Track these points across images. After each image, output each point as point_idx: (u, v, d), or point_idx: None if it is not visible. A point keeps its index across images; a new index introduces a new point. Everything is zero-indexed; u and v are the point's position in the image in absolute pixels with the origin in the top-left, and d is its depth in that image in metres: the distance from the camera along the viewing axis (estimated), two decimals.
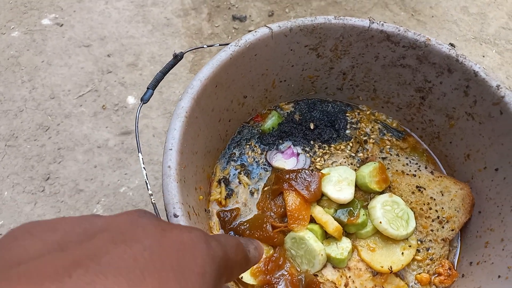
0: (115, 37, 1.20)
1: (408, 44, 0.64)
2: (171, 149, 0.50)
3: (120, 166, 0.92)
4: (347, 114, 0.77)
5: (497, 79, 0.60)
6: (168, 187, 0.47)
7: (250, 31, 1.25)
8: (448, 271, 0.61)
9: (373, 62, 0.69)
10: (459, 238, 0.66)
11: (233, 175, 0.69)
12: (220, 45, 0.66)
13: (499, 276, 0.53)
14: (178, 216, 0.46)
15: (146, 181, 0.47)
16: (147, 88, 0.54)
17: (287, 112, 0.76)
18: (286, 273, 0.58)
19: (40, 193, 0.88)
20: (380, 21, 0.65)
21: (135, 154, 0.94)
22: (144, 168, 0.48)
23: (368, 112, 0.77)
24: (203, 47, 0.63)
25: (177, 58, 0.59)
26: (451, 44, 0.64)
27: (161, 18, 1.25)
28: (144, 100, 0.54)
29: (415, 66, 0.67)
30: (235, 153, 0.71)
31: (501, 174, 0.61)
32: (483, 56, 1.21)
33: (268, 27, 0.63)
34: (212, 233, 0.62)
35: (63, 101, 1.05)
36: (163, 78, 0.56)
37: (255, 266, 0.58)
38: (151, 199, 0.46)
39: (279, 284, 0.57)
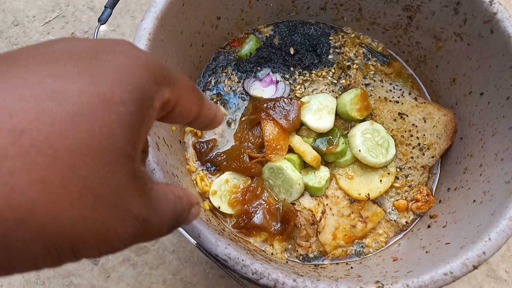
0: None
1: None
2: None
3: None
4: (330, 38, 0.71)
5: None
6: None
7: None
8: (426, 197, 0.62)
9: None
10: (439, 164, 0.66)
11: None
12: None
13: (474, 201, 0.53)
14: None
15: None
16: (105, 7, 0.49)
17: (266, 36, 0.71)
18: (263, 202, 0.58)
19: None
20: None
21: None
22: None
23: (352, 35, 0.72)
24: None
25: None
26: None
27: None
28: (102, 20, 0.48)
29: None
30: (210, 82, 0.67)
31: (485, 98, 0.58)
32: None
33: None
34: (189, 165, 0.61)
35: (28, 28, 0.97)
36: None
37: (232, 196, 0.57)
38: None
39: (257, 213, 0.57)
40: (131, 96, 0.21)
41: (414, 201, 0.62)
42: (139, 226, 0.23)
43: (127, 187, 0.21)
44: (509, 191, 0.48)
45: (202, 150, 0.61)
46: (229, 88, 0.66)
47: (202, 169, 0.61)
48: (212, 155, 0.61)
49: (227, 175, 0.59)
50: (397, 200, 0.62)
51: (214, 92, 0.66)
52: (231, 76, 0.67)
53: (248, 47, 0.68)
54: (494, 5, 0.54)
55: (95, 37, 0.48)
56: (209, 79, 0.67)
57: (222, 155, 0.61)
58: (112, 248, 0.22)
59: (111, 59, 0.21)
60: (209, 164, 0.61)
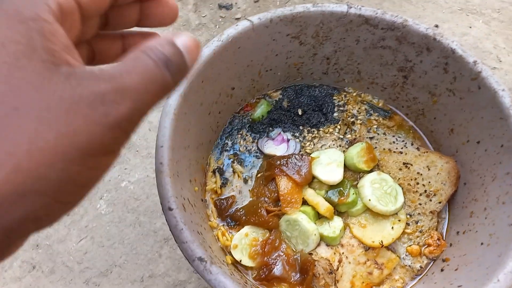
0: None
1: (386, 26, 0.66)
2: (162, 147, 0.53)
3: (119, 162, 0.95)
4: (334, 97, 0.79)
5: (473, 55, 0.62)
6: (162, 183, 0.50)
7: (237, 19, 1.26)
8: (437, 241, 0.64)
9: (354, 45, 0.71)
10: (447, 209, 0.69)
11: (227, 164, 0.71)
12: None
13: (482, 243, 0.56)
14: (172, 209, 0.48)
15: None
16: None
17: (276, 100, 0.78)
18: (282, 253, 0.62)
19: None
20: (358, 6, 0.66)
21: (133, 149, 0.96)
22: None
23: (354, 94, 0.79)
24: None
25: None
26: (436, 26, 0.66)
27: None
28: None
29: (395, 46, 0.68)
30: (227, 143, 0.73)
31: (482, 146, 0.63)
32: (470, 27, 1.21)
33: (249, 20, 0.65)
34: (210, 221, 0.65)
35: None
36: None
37: (252, 249, 0.61)
38: None
39: (276, 264, 0.61)
40: (25, 20, 0.23)
41: (426, 246, 0.65)
42: (114, 95, 0.24)
43: (74, 74, 0.23)
44: None
45: (222, 207, 0.66)
46: (244, 148, 0.73)
47: (223, 225, 0.66)
48: (232, 210, 0.66)
49: (246, 229, 0.63)
50: (410, 245, 0.65)
51: (231, 152, 0.72)
52: (246, 137, 0.74)
53: (260, 110, 0.76)
54: (478, 65, 0.61)
55: None
56: (226, 141, 0.73)
57: (241, 210, 0.66)
58: (121, 130, 0.25)
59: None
60: (229, 220, 0.66)
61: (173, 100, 0.57)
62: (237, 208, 0.66)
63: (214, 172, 0.70)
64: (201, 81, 0.62)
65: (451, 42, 0.62)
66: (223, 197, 0.68)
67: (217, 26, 1.23)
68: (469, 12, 1.24)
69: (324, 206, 0.63)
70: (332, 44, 0.71)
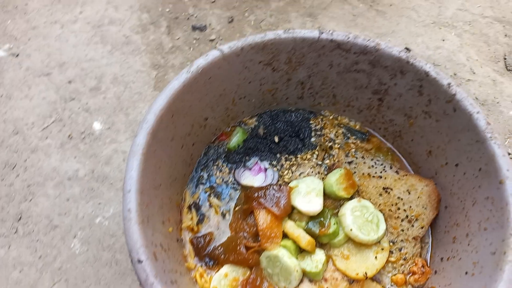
0: (74, 62, 1.17)
1: (359, 50, 0.65)
2: (129, 191, 0.50)
3: (93, 196, 0.91)
4: (310, 122, 0.77)
5: (447, 77, 0.61)
6: (130, 232, 0.47)
7: (211, 40, 1.24)
8: (422, 269, 0.63)
9: (328, 70, 0.70)
10: (430, 233, 0.68)
11: (203, 198, 0.68)
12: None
13: (466, 273, 0.54)
14: (142, 261, 0.45)
15: None
16: None
17: (251, 127, 0.76)
18: None
19: (13, 235, 0.86)
20: (329, 31, 0.65)
21: (107, 182, 0.92)
22: None
23: (331, 117, 0.78)
24: None
25: None
26: (407, 49, 0.65)
27: (119, 37, 1.23)
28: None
29: (369, 70, 0.67)
30: (203, 176, 0.70)
31: (461, 169, 0.62)
32: (443, 40, 1.22)
33: (219, 49, 0.63)
34: (187, 262, 0.62)
35: (28, 135, 1.03)
36: None
37: None
38: None
39: None
40: None
41: (411, 274, 0.63)
42: None
43: None
44: (495, 262, 0.50)
45: (200, 245, 0.63)
46: (221, 180, 0.70)
47: (201, 265, 0.62)
48: (210, 249, 0.63)
49: (225, 268, 0.60)
50: (394, 274, 0.63)
51: (207, 185, 0.70)
52: (222, 168, 0.71)
53: (236, 139, 0.73)
54: (452, 87, 0.60)
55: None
56: (202, 174, 0.71)
57: (219, 248, 0.63)
58: None
59: None
60: (207, 259, 0.63)
61: (141, 138, 0.54)
62: (215, 246, 0.63)
63: (190, 207, 0.67)
64: (171, 115, 0.59)
65: (425, 65, 0.62)
66: (200, 235, 0.65)
67: (192, 49, 1.21)
68: (441, 25, 1.26)
69: (305, 239, 0.61)
70: (306, 69, 0.70)
